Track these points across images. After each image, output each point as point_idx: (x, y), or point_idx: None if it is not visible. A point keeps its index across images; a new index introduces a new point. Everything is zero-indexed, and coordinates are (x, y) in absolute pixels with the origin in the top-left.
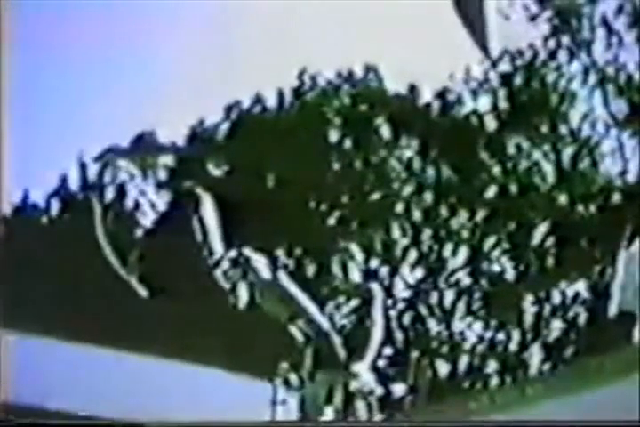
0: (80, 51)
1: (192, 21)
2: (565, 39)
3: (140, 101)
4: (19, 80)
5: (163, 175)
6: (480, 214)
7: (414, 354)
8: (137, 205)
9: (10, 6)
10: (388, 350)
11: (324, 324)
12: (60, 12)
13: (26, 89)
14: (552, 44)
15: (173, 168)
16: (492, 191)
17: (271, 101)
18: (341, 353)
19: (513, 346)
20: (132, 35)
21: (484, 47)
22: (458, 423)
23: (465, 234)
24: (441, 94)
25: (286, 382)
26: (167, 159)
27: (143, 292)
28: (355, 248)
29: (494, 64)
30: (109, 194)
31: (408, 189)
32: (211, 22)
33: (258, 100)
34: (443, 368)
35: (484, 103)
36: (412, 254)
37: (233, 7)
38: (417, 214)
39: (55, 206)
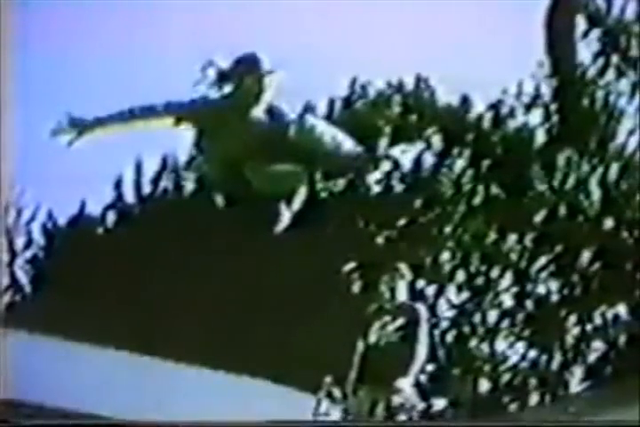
0: None
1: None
2: (615, 57)
3: None
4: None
5: None
6: (528, 237)
7: (456, 371)
8: None
9: None
10: (430, 367)
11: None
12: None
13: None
14: (601, 61)
15: None
16: (541, 215)
17: (321, 110)
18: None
19: (554, 365)
20: None
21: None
22: (457, 423)
23: (513, 257)
24: (493, 106)
25: (329, 396)
26: None
27: None
28: (404, 268)
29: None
30: None
31: (458, 211)
32: None
33: (308, 108)
34: (484, 385)
35: (535, 117)
36: (460, 276)
37: None
38: (466, 237)
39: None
